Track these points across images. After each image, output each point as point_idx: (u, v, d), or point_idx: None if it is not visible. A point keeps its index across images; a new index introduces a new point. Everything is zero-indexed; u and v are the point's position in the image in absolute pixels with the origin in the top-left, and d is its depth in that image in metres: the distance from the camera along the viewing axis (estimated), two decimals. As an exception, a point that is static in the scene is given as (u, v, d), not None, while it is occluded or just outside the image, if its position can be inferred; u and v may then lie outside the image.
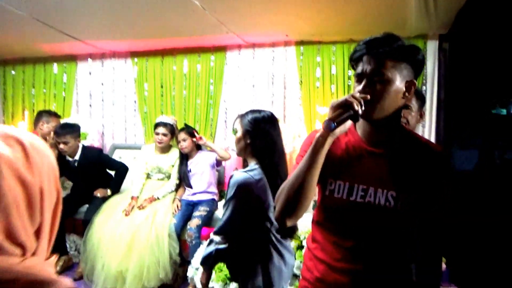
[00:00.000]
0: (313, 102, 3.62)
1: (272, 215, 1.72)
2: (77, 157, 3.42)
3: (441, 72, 3.38)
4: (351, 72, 3.55)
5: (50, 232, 0.62)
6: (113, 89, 4.37)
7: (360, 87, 1.13)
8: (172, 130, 3.41)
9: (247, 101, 3.88)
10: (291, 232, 1.79)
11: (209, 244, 1.80)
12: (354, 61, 1.19)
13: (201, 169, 3.32)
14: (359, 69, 1.15)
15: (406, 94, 1.15)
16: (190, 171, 3.34)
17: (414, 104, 1.88)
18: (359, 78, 1.16)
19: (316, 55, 3.66)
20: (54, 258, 0.63)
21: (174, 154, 3.45)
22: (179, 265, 3.08)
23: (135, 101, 4.29)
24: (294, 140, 3.45)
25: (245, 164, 1.89)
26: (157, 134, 3.35)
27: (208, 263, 1.81)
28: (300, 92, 3.71)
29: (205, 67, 3.99)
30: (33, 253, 0.57)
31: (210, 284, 2.58)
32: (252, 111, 1.84)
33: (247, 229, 1.72)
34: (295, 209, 1.16)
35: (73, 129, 3.43)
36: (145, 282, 2.85)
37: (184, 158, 3.38)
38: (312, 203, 2.69)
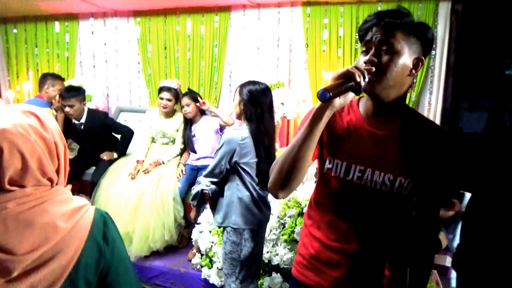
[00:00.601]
0: (319, 67, 3.55)
1: (252, 170, 2.07)
2: (83, 120, 3.45)
3: (452, 36, 3.26)
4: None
5: (64, 170, 0.95)
6: (116, 50, 4.31)
7: (366, 57, 1.10)
8: (176, 95, 3.40)
9: (252, 64, 3.81)
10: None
11: (197, 184, 2.14)
12: (362, 31, 1.15)
13: (205, 134, 3.34)
14: (368, 37, 1.12)
15: (413, 71, 1.12)
16: (194, 136, 3.37)
17: None
18: (366, 47, 1.12)
19: (323, 16, 3.53)
20: (70, 186, 0.98)
21: (178, 118, 3.45)
22: (183, 227, 3.20)
23: (138, 63, 4.24)
24: (298, 106, 3.42)
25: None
26: (161, 99, 3.34)
27: (196, 200, 2.17)
28: (306, 56, 3.63)
29: (209, 28, 3.89)
30: (56, 183, 0.92)
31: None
32: (250, 82, 2.15)
33: (227, 175, 2.09)
34: (288, 180, 1.15)
35: (78, 92, 3.43)
36: (151, 243, 2.98)
37: (188, 123, 3.39)
38: (315, 171, 2.74)
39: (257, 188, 2.11)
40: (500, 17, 3.47)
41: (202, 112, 3.40)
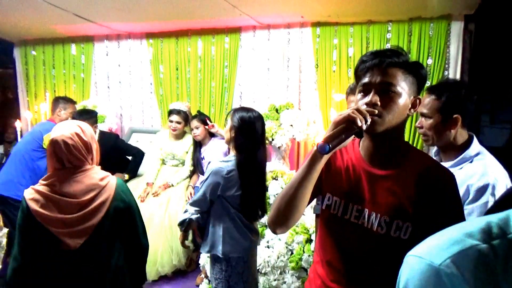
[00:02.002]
0: (329, 87, 3.51)
1: (237, 202, 2.04)
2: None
3: (465, 56, 3.18)
4: (369, 55, 3.39)
5: (96, 158, 1.61)
6: (130, 71, 4.39)
7: (367, 98, 1.09)
8: (186, 117, 3.42)
9: (262, 85, 3.81)
10: (255, 217, 2.15)
11: (184, 212, 2.13)
12: (361, 71, 1.13)
13: (214, 156, 3.34)
14: (367, 79, 1.10)
15: (412, 110, 1.12)
16: (204, 158, 3.37)
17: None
18: (365, 88, 1.11)
19: (333, 37, 3.51)
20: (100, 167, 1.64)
21: (188, 140, 3.47)
22: (192, 251, 3.18)
23: (151, 83, 4.30)
24: (308, 127, 3.38)
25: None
26: (171, 121, 3.37)
27: (183, 226, 2.12)
28: (316, 76, 3.60)
29: (219, 49, 3.92)
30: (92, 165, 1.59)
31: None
32: (243, 109, 2.11)
33: (211, 205, 2.09)
34: (285, 218, 1.17)
35: (90, 115, 3.49)
36: (159, 267, 2.98)
37: (198, 145, 3.40)
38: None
39: (243, 218, 2.08)
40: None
41: (211, 134, 3.41)
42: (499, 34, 3.05)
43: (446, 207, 1.10)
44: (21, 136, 4.25)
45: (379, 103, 1.07)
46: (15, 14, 3.74)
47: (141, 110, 4.39)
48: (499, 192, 1.48)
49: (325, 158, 1.08)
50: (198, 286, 2.95)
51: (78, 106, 4.08)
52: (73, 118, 3.46)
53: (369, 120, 1.03)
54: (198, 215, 2.08)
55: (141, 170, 3.65)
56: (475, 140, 1.62)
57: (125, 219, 1.60)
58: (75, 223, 1.47)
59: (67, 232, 1.45)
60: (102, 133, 3.58)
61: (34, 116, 4.62)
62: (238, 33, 3.86)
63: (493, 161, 1.59)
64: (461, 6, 2.99)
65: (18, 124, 4.29)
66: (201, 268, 2.96)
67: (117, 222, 1.56)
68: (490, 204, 1.49)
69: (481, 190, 1.49)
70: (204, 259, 2.90)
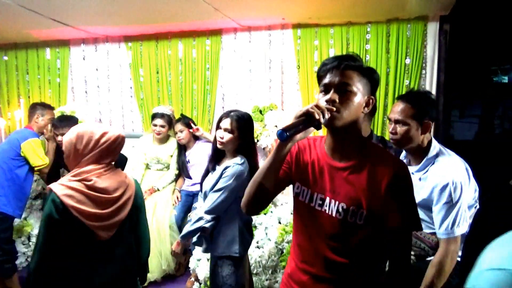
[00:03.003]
0: (311, 88, 3.57)
1: None
2: (64, 137, 3.41)
3: (441, 55, 3.30)
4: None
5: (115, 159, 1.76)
6: (108, 75, 4.31)
7: (327, 96, 1.22)
8: (170, 121, 3.39)
9: (244, 86, 3.83)
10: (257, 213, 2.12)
11: (197, 220, 2.07)
12: (322, 73, 1.28)
13: (199, 159, 3.33)
14: (327, 80, 1.24)
15: (366, 109, 1.27)
16: (189, 161, 3.36)
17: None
18: (326, 88, 1.25)
19: (314, 38, 3.57)
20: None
21: (172, 144, 3.44)
22: (181, 255, 3.16)
23: (131, 87, 4.23)
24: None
25: (220, 156, 2.19)
26: (155, 125, 3.34)
27: (192, 236, 2.12)
28: (298, 77, 3.65)
29: (200, 52, 3.91)
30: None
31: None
32: (239, 112, 2.14)
33: (230, 210, 2.08)
34: (254, 202, 1.35)
35: (71, 122, 3.40)
36: (149, 273, 2.92)
37: (182, 148, 3.38)
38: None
39: (250, 217, 2.19)
40: (486, 29, 3.53)
41: (196, 138, 3.40)
42: (473, 33, 3.18)
43: (398, 195, 1.22)
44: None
45: (337, 100, 1.20)
46: (-15, 19, 3.60)
47: (121, 115, 4.31)
48: (458, 189, 1.65)
49: (289, 146, 1.20)
50: (188, 290, 2.93)
51: (56, 112, 3.97)
52: (53, 124, 3.37)
53: (326, 115, 1.16)
54: (213, 222, 2.06)
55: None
56: (434, 142, 1.80)
57: (140, 214, 1.77)
58: (107, 217, 1.59)
59: (100, 225, 1.57)
60: (83, 139, 3.49)
61: (7, 123, 4.45)
62: (219, 35, 3.86)
63: (451, 159, 1.75)
64: (436, 8, 3.11)
65: (-9, 132, 4.13)
66: (191, 271, 2.94)
67: (135, 216, 1.73)
68: (454, 201, 1.65)
69: (442, 190, 1.67)
70: (194, 263, 2.88)
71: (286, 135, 1.11)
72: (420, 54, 3.28)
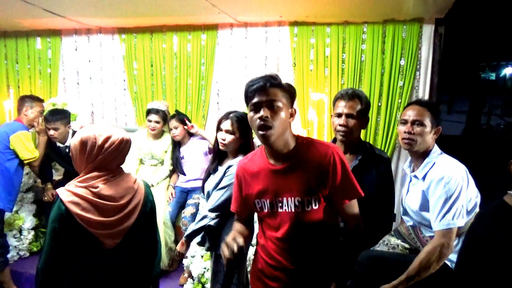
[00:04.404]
0: (306, 86, 3.58)
1: None
2: (67, 143, 3.39)
3: (435, 57, 3.34)
4: (345, 55, 3.49)
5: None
6: (101, 67, 4.25)
7: (259, 114, 1.38)
8: (165, 117, 3.38)
9: (240, 82, 3.81)
10: None
11: (202, 219, 2.11)
12: (251, 93, 1.42)
13: (193, 156, 3.34)
14: (256, 99, 1.39)
15: (291, 118, 1.46)
16: (183, 157, 3.36)
17: (358, 112, 2.00)
18: (256, 107, 1.40)
19: (310, 36, 3.57)
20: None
21: (167, 139, 3.44)
22: (174, 251, 3.18)
23: (124, 80, 4.19)
24: (286, 125, 3.44)
25: (221, 157, 2.23)
26: (150, 121, 3.32)
27: (196, 236, 2.15)
28: (294, 75, 3.65)
29: (196, 46, 3.88)
30: None
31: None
32: (236, 112, 2.19)
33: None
34: None
35: (64, 115, 3.37)
36: (143, 270, 2.95)
37: (177, 144, 3.38)
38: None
39: None
40: (478, 30, 3.59)
41: (190, 134, 3.39)
42: (466, 36, 3.23)
43: (338, 174, 1.44)
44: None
45: (268, 116, 1.36)
46: (-26, 6, 3.50)
47: (114, 108, 4.27)
48: (453, 183, 1.72)
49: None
50: (182, 285, 2.96)
51: (47, 104, 3.91)
52: (45, 118, 3.32)
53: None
54: (218, 219, 2.08)
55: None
56: (435, 146, 1.90)
57: (150, 220, 1.74)
58: (113, 225, 1.56)
59: (106, 233, 1.55)
60: (75, 134, 3.45)
61: (-4, 114, 4.37)
62: (215, 30, 3.82)
63: (450, 160, 1.84)
64: (432, 10, 3.13)
65: (-20, 123, 4.05)
66: (184, 268, 2.97)
67: (145, 222, 1.70)
68: (449, 194, 1.72)
69: (438, 182, 1.75)
70: (188, 260, 2.91)
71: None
72: (414, 55, 3.31)
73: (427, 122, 1.84)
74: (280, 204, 1.45)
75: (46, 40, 4.34)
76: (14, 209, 3.46)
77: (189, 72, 3.92)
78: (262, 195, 1.49)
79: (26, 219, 3.65)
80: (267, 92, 1.38)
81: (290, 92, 1.45)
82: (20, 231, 3.63)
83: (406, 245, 1.94)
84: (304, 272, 1.49)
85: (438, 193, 1.73)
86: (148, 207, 1.71)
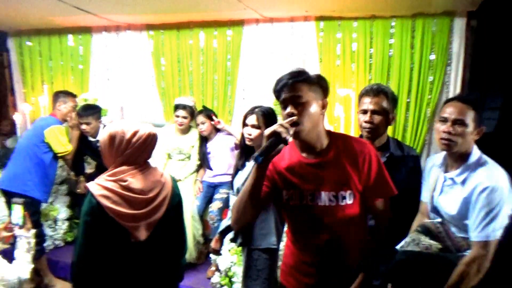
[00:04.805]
0: (333, 82, 3.55)
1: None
2: (99, 137, 3.50)
3: (467, 52, 3.25)
4: (372, 50, 3.44)
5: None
6: (130, 63, 4.34)
7: (286, 111, 1.39)
8: (192, 112, 3.44)
9: (265, 78, 3.83)
10: None
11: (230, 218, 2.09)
12: (278, 91, 1.43)
13: (220, 151, 3.39)
14: (283, 96, 1.41)
15: (323, 110, 1.44)
16: (210, 153, 3.41)
17: (385, 108, 1.96)
18: (284, 104, 1.41)
19: (337, 31, 3.54)
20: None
21: (194, 135, 3.50)
22: (202, 244, 3.26)
23: (152, 76, 4.27)
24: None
25: (249, 153, 2.21)
26: (177, 116, 3.39)
27: (226, 234, 2.17)
28: (320, 71, 3.63)
29: (222, 42, 3.91)
30: None
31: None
32: (261, 106, 2.23)
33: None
34: (242, 220, 1.52)
35: (95, 111, 3.49)
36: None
37: (204, 139, 3.43)
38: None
39: None
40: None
41: (217, 129, 3.44)
42: (501, 30, 3.11)
43: (372, 171, 1.45)
44: (19, 129, 4.22)
45: (295, 111, 1.36)
46: (10, 4, 3.64)
47: (142, 103, 4.37)
48: (498, 193, 1.60)
49: (265, 165, 1.36)
50: (209, 278, 3.03)
51: (79, 99, 4.04)
52: (78, 113, 3.45)
53: (291, 132, 1.32)
54: None
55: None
56: (475, 148, 1.72)
57: (178, 213, 1.77)
58: (143, 218, 1.59)
59: (136, 226, 1.58)
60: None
61: (32, 109, 4.55)
62: (240, 26, 3.85)
63: (493, 166, 1.69)
64: (464, 3, 3.05)
65: (17, 117, 4.25)
66: (211, 261, 3.04)
67: (173, 215, 1.72)
68: (493, 205, 1.60)
69: (482, 192, 1.61)
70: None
71: (260, 159, 1.28)
72: (445, 50, 3.23)
73: (469, 121, 1.66)
74: (311, 198, 1.45)
75: (77, 37, 4.48)
76: (49, 200, 3.62)
77: (215, 68, 3.97)
78: (292, 187, 1.48)
79: (60, 210, 3.81)
80: (292, 88, 1.38)
81: (320, 85, 1.44)
82: (55, 222, 3.80)
83: (439, 245, 1.85)
84: (337, 268, 1.48)
85: (481, 203, 1.61)
86: (176, 200, 1.73)
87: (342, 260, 1.49)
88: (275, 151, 1.31)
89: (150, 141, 1.64)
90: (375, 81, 3.41)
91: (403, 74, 3.32)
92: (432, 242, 1.80)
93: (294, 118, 1.35)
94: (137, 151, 1.60)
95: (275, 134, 1.29)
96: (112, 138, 1.58)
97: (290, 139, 1.33)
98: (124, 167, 1.59)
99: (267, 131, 1.31)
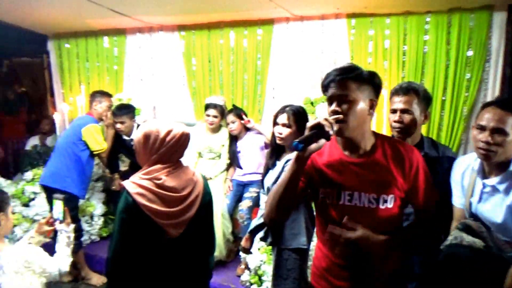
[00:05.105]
0: (364, 80, 3.49)
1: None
2: (132, 136, 3.60)
3: (508, 47, 3.10)
4: (406, 47, 3.36)
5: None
6: (162, 63, 4.44)
7: (331, 108, 1.37)
8: (222, 111, 3.47)
9: (295, 77, 3.81)
10: None
11: (261, 216, 2.12)
12: (325, 87, 1.40)
13: (250, 150, 3.40)
14: (330, 93, 1.37)
15: (370, 111, 1.39)
16: (240, 152, 3.44)
17: (415, 107, 1.91)
18: (330, 100, 1.38)
19: (369, 28, 3.47)
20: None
21: (224, 134, 3.54)
22: (231, 242, 3.29)
23: (183, 76, 4.35)
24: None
25: (279, 152, 2.24)
26: (208, 116, 3.43)
27: (257, 233, 2.17)
28: (351, 69, 3.58)
29: (252, 42, 3.92)
30: None
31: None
32: (292, 105, 2.22)
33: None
34: (277, 214, 1.47)
35: (129, 110, 3.59)
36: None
37: (234, 138, 3.46)
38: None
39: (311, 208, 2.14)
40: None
41: (247, 128, 3.46)
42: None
43: (419, 179, 1.42)
44: (59, 127, 4.40)
45: (339, 110, 1.33)
46: (49, 8, 3.81)
47: (173, 103, 4.45)
48: None
49: (305, 158, 1.32)
50: (239, 276, 3.06)
51: (113, 99, 4.17)
52: (113, 113, 3.56)
53: (335, 127, 1.31)
54: None
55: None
56: None
57: (208, 211, 1.80)
58: (176, 215, 1.63)
59: (170, 223, 1.61)
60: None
61: (70, 108, 4.74)
62: (271, 25, 3.84)
63: None
64: (505, -4, 2.92)
65: (56, 116, 4.43)
66: (241, 259, 3.07)
67: (204, 213, 1.75)
68: None
69: None
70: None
71: (301, 146, 1.25)
72: (483, 45, 3.10)
73: (510, 129, 1.52)
74: (349, 198, 1.41)
75: (112, 38, 4.62)
76: (86, 196, 3.77)
77: (245, 67, 3.99)
78: (330, 185, 1.44)
79: (96, 206, 3.96)
80: (339, 85, 1.34)
81: (371, 83, 1.38)
82: (91, 217, 3.95)
83: (483, 243, 1.74)
84: (371, 272, 1.44)
85: None
86: (207, 199, 1.76)
87: (377, 264, 1.44)
88: (317, 144, 1.28)
89: (183, 141, 1.66)
90: (408, 79, 3.33)
91: (438, 71, 3.22)
92: (475, 239, 1.69)
93: (340, 116, 1.33)
94: (170, 150, 1.63)
95: (319, 126, 1.27)
96: (146, 137, 1.62)
97: (332, 135, 1.31)
98: (158, 166, 1.62)
99: (311, 122, 1.29)
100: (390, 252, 1.45)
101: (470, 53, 3.15)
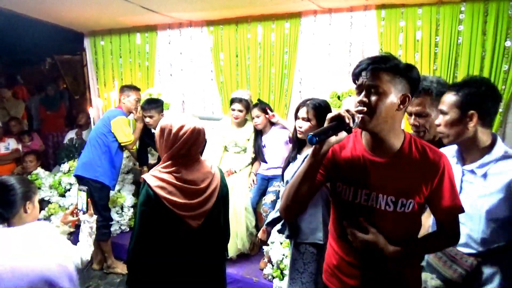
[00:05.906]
0: (393, 73, 3.38)
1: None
2: (158, 129, 3.68)
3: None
4: (438, 38, 3.21)
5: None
6: (191, 59, 4.50)
7: (358, 98, 1.29)
8: (247, 105, 3.48)
9: (323, 71, 3.75)
10: None
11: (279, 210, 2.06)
12: (355, 75, 1.32)
13: (274, 144, 3.39)
14: (359, 81, 1.30)
15: (401, 106, 1.28)
16: (265, 146, 3.43)
17: (430, 108, 1.85)
18: (358, 90, 1.31)
19: (400, 19, 3.35)
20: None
21: (249, 128, 3.54)
22: (255, 235, 3.29)
23: (211, 71, 4.39)
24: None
25: (301, 146, 2.23)
26: (233, 110, 3.45)
27: (274, 225, 2.17)
28: (380, 61, 3.48)
29: (279, 35, 3.90)
30: None
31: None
32: (314, 99, 2.18)
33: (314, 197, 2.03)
34: (293, 207, 1.41)
35: (157, 104, 3.67)
36: (225, 251, 3.11)
37: (259, 133, 3.46)
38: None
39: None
40: None
41: (272, 123, 3.44)
42: None
43: (443, 187, 1.32)
44: (93, 121, 4.57)
45: (366, 101, 1.26)
46: (85, 7, 3.96)
47: (202, 97, 4.52)
48: None
49: (324, 149, 1.24)
50: (262, 269, 3.06)
51: (144, 94, 4.29)
52: (142, 107, 3.65)
53: (357, 119, 1.23)
54: None
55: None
56: (499, 141, 1.56)
57: (225, 203, 1.85)
58: (196, 207, 1.67)
59: (190, 215, 1.66)
60: (168, 121, 3.74)
61: (104, 103, 4.92)
62: (298, 18, 3.80)
63: None
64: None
65: (91, 111, 4.61)
66: (264, 253, 3.06)
67: (221, 205, 1.79)
68: None
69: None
70: (269, 245, 2.99)
71: (315, 139, 1.17)
72: (523, 35, 2.92)
73: (451, 109, 1.54)
74: (366, 197, 1.35)
75: (144, 35, 4.74)
76: (117, 188, 3.89)
77: (272, 61, 3.97)
78: (348, 181, 1.38)
79: (126, 198, 4.08)
80: (370, 75, 1.25)
81: (407, 76, 1.27)
82: (122, 208, 4.08)
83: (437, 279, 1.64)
84: (382, 273, 1.40)
85: None
86: (224, 191, 1.79)
87: (388, 265, 1.39)
88: (337, 139, 1.22)
89: (195, 136, 1.66)
90: (440, 71, 3.19)
91: (473, 63, 3.07)
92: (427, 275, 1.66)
93: (364, 109, 1.25)
94: (184, 145, 1.64)
95: (338, 118, 1.20)
96: (162, 131, 1.66)
97: (354, 127, 1.24)
98: (176, 160, 1.66)
99: (331, 114, 1.23)
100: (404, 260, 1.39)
101: (508, 43, 2.97)
